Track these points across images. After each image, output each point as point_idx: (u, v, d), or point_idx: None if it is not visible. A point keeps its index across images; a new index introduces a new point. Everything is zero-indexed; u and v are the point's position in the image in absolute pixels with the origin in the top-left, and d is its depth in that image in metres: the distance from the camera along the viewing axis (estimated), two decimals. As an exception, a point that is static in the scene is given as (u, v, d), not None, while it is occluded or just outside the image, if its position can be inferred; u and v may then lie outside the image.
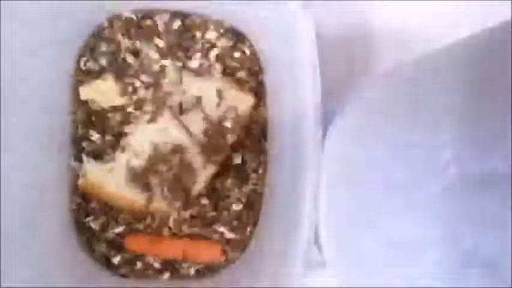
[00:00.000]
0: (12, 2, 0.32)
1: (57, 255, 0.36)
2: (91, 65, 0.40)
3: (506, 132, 0.16)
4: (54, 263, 0.35)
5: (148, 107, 0.38)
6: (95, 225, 0.38)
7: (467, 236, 0.17)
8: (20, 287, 0.31)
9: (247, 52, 0.40)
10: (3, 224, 0.31)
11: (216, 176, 0.39)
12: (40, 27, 0.35)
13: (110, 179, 0.37)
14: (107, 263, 0.38)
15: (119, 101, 0.39)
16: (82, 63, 0.40)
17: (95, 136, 0.39)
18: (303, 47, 0.31)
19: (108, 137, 0.39)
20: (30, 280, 0.32)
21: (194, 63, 0.40)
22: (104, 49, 0.40)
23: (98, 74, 0.40)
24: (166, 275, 0.38)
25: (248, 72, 0.40)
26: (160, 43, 0.40)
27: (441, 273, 0.18)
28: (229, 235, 0.39)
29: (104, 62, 0.40)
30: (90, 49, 0.40)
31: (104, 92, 0.39)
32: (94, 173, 0.37)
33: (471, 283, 0.17)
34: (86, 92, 0.39)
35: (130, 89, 0.39)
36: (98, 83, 0.39)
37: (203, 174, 0.38)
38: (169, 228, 0.39)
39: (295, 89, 0.33)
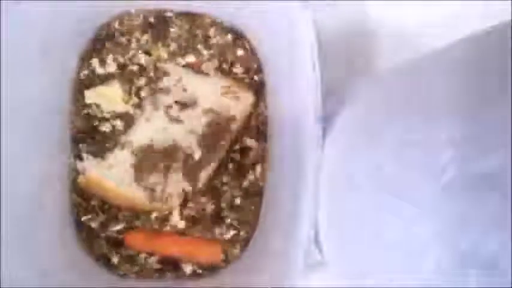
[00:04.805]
0: (13, 1, 0.32)
1: (57, 254, 0.35)
2: (97, 66, 0.40)
3: (506, 131, 0.16)
4: (53, 263, 0.35)
5: (148, 105, 0.39)
6: (94, 224, 0.38)
7: (467, 236, 0.17)
8: (20, 287, 0.31)
9: (247, 51, 0.40)
10: (3, 223, 0.31)
11: (215, 174, 0.39)
12: (41, 27, 0.35)
13: (109, 176, 0.37)
14: (106, 263, 0.38)
15: (123, 107, 0.39)
16: (87, 64, 0.40)
17: (96, 136, 0.39)
18: (303, 47, 0.31)
19: (109, 137, 0.39)
20: (30, 280, 0.32)
21: (194, 61, 0.40)
22: (111, 49, 0.40)
23: (104, 76, 0.40)
24: (166, 275, 0.38)
25: (248, 70, 0.40)
26: (163, 42, 0.40)
27: (441, 273, 0.18)
28: (229, 234, 0.39)
29: (110, 62, 0.40)
30: (96, 49, 0.40)
31: (108, 98, 0.39)
32: (94, 170, 0.37)
33: (471, 283, 0.17)
34: (91, 96, 0.39)
35: (134, 89, 0.39)
36: (104, 89, 0.39)
37: (203, 172, 0.38)
38: (170, 226, 0.39)
39: (295, 88, 0.33)
